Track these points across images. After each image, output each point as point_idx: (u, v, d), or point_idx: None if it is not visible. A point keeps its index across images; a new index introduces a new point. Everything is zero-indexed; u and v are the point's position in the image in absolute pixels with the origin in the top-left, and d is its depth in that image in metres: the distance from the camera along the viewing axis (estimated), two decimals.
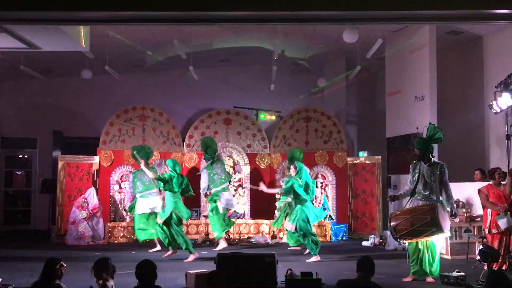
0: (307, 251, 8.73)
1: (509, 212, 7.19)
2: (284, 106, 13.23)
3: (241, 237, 11.19)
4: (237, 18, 5.48)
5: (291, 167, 8.80)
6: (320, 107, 12.99)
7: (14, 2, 4.99)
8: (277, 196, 10.76)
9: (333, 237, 11.16)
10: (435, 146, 7.89)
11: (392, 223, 6.74)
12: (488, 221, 7.61)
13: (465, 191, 9.31)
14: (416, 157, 6.96)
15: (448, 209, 6.90)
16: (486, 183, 8.17)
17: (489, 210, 7.60)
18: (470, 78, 11.17)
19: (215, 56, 13.06)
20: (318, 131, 12.19)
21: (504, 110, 9.08)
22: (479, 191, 7.81)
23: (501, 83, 9.01)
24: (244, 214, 11.82)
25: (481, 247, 6.94)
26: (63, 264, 4.82)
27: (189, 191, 8.84)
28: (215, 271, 4.81)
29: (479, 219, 8.73)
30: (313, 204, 9.31)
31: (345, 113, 13.87)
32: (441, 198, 6.86)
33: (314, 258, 8.40)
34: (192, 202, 11.84)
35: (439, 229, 6.51)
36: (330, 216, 11.47)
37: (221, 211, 9.72)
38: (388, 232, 9.75)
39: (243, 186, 11.90)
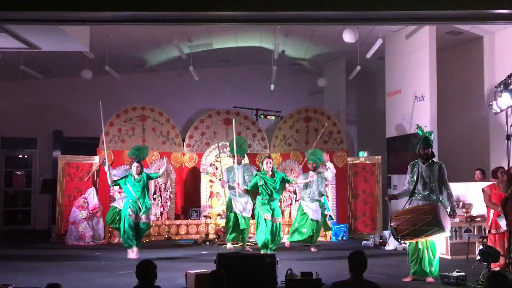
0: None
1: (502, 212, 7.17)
2: (284, 106, 13.23)
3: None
4: (237, 18, 5.48)
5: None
6: (320, 107, 13.00)
7: (14, 2, 4.99)
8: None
9: (333, 237, 11.16)
10: (435, 145, 7.89)
11: (392, 224, 6.73)
12: (490, 222, 7.62)
13: (465, 191, 9.31)
14: (425, 155, 6.94)
15: (448, 208, 6.90)
16: (486, 183, 8.18)
17: (491, 210, 7.61)
18: (470, 78, 11.16)
19: (215, 56, 13.07)
20: (318, 131, 12.18)
21: (504, 110, 9.08)
22: (483, 190, 7.82)
23: (501, 83, 9.01)
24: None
25: (481, 247, 6.94)
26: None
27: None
28: (217, 271, 4.79)
29: (479, 219, 8.73)
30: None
31: (345, 113, 13.86)
32: (440, 198, 6.87)
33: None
34: (193, 202, 11.87)
35: (440, 228, 6.50)
36: (330, 216, 11.45)
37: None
38: (388, 232, 9.79)
39: None
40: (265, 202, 8.81)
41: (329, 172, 9.93)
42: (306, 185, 9.67)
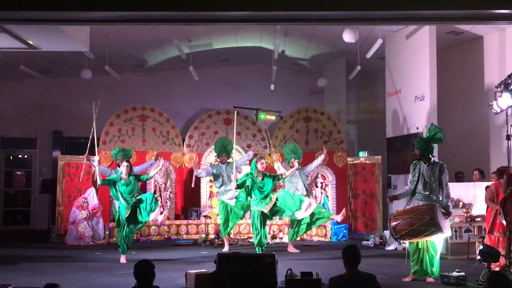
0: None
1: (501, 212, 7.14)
2: (284, 106, 13.21)
3: (241, 237, 11.19)
4: (237, 18, 5.48)
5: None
6: (320, 107, 12.99)
7: (14, 2, 4.99)
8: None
9: (333, 237, 11.16)
10: (435, 146, 7.87)
11: (391, 224, 6.75)
12: (491, 222, 7.58)
13: (465, 191, 9.31)
14: (416, 157, 6.96)
15: (444, 205, 6.87)
16: (485, 183, 8.16)
17: (493, 211, 7.57)
18: (470, 78, 11.17)
19: (215, 56, 13.07)
20: (318, 131, 12.19)
21: (504, 110, 9.07)
22: (487, 187, 7.75)
23: (501, 83, 9.00)
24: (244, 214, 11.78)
25: (481, 247, 6.93)
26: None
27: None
28: (219, 271, 4.77)
29: (479, 219, 8.73)
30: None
31: (345, 113, 13.86)
32: (440, 198, 6.85)
33: None
34: (192, 202, 11.86)
35: (438, 228, 6.50)
36: None
37: None
38: (388, 232, 9.78)
39: None
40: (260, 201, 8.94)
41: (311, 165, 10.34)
42: (290, 180, 9.81)
